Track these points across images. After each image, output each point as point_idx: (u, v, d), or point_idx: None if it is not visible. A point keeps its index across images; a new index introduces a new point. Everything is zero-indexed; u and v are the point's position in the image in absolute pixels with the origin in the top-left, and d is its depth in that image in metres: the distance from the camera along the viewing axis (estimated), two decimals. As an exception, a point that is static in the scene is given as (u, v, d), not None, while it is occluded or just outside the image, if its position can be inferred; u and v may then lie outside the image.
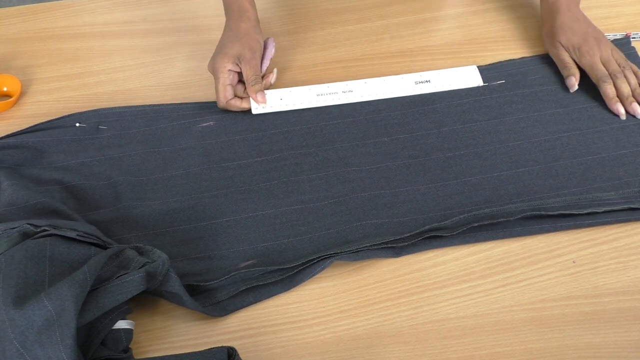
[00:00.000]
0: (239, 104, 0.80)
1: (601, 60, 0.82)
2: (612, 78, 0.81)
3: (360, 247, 0.67)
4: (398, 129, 0.79)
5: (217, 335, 0.64)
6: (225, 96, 0.78)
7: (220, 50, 0.79)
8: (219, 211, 0.72)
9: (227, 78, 0.78)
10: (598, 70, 0.81)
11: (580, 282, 0.66)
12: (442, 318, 0.64)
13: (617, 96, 0.80)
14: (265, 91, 0.81)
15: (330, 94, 0.82)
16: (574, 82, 0.81)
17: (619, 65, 0.81)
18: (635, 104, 0.79)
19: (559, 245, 0.69)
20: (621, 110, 0.79)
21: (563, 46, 0.84)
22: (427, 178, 0.74)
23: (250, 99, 0.79)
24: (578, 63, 0.83)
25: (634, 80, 0.81)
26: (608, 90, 0.80)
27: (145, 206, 0.73)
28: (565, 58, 0.83)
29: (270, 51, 0.84)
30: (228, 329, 0.64)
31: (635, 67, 0.82)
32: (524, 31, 0.89)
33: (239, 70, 0.79)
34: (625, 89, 0.80)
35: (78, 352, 0.54)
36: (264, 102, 0.79)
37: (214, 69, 0.79)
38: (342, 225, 0.71)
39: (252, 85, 0.79)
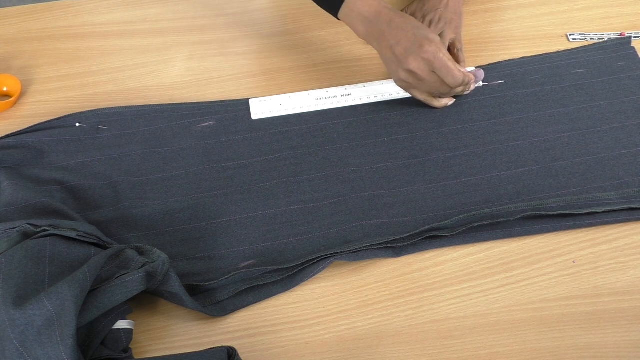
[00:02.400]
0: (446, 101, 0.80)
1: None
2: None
3: (360, 247, 0.67)
4: (398, 129, 0.79)
5: (217, 335, 0.64)
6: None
7: (422, 37, 0.73)
8: (219, 211, 0.72)
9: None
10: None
11: (580, 282, 0.66)
12: (442, 318, 0.64)
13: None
14: (265, 97, 0.81)
15: (329, 97, 0.82)
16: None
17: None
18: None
19: (559, 245, 0.69)
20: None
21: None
22: (427, 178, 0.74)
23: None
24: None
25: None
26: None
27: (145, 206, 0.73)
28: None
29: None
30: (228, 329, 0.64)
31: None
32: (524, 31, 0.89)
33: None
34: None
35: (78, 352, 0.54)
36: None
37: (432, 54, 0.72)
38: (342, 225, 0.71)
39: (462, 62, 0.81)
